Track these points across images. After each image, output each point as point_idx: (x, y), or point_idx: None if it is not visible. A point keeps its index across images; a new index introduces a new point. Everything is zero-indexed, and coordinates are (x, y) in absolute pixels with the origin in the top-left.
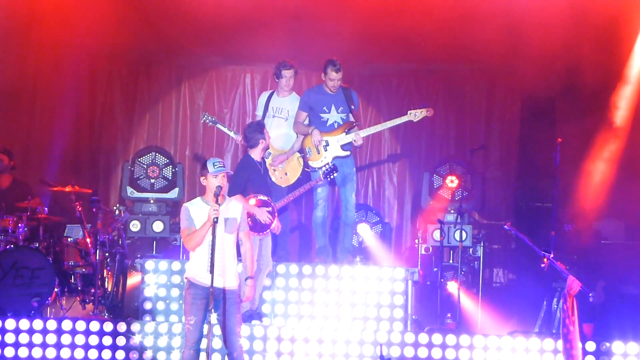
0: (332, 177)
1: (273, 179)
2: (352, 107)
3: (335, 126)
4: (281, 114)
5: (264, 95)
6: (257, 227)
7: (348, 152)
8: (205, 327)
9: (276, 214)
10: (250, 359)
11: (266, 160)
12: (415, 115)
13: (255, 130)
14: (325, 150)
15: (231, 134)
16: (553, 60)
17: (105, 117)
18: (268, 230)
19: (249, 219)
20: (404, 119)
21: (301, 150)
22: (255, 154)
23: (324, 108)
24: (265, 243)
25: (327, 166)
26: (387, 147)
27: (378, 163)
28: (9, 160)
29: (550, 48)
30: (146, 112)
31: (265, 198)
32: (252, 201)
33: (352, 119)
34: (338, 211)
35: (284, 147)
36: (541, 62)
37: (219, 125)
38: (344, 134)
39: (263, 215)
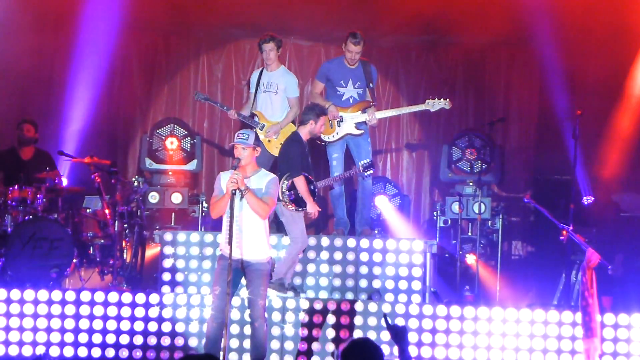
0: (369, 172)
1: (268, 148)
2: (371, 84)
3: (351, 101)
4: (270, 88)
5: (255, 74)
6: (301, 202)
7: (362, 132)
8: (236, 299)
9: (316, 194)
10: (269, 330)
11: (260, 131)
12: (433, 105)
13: (311, 110)
14: (339, 126)
15: (224, 109)
16: (572, 33)
17: (123, 89)
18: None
19: (291, 191)
20: (421, 107)
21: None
22: (303, 132)
23: (341, 82)
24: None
25: (366, 161)
26: (406, 119)
27: (397, 136)
28: (35, 132)
29: (568, 20)
30: (164, 84)
31: (310, 176)
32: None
33: (368, 96)
34: (355, 184)
35: (277, 119)
36: (559, 35)
37: (210, 102)
38: (360, 112)
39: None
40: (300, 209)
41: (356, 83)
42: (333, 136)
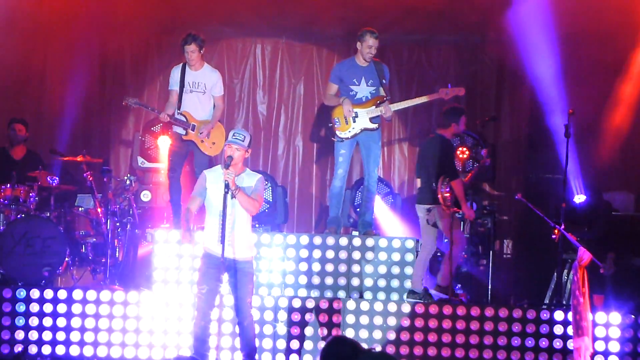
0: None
1: (202, 149)
2: (384, 81)
3: (363, 100)
4: (198, 88)
5: (176, 69)
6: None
7: (376, 125)
8: (217, 297)
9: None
10: (261, 329)
11: (192, 132)
12: (447, 93)
13: (452, 112)
14: (354, 122)
15: (155, 112)
16: (565, 31)
17: (116, 87)
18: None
19: (451, 193)
20: (435, 96)
21: (329, 120)
22: (448, 134)
23: (354, 80)
24: None
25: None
26: (398, 118)
27: (389, 134)
28: (26, 131)
29: (562, 18)
30: (157, 82)
31: None
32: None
33: (382, 92)
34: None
35: (208, 118)
36: (552, 33)
37: (142, 106)
38: (374, 107)
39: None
40: (458, 213)
41: (369, 81)
42: (349, 131)
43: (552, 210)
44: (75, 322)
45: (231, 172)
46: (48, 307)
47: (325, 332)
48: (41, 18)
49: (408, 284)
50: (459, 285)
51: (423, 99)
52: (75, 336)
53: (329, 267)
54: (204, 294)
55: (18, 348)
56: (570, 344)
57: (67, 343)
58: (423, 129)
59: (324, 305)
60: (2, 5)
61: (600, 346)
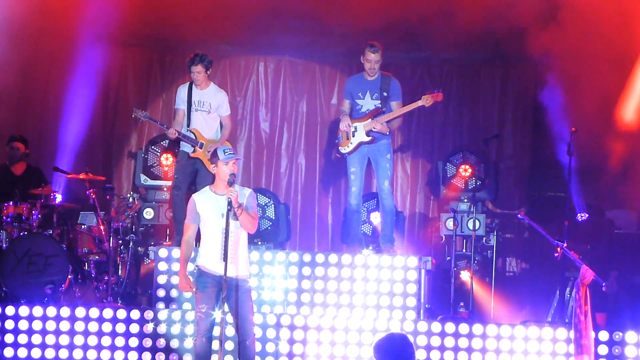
0: None
1: (208, 167)
2: (385, 93)
3: (367, 113)
4: (203, 107)
5: (183, 88)
6: None
7: (370, 138)
8: (218, 315)
9: None
10: (263, 347)
11: (200, 150)
12: (427, 100)
13: None
14: (353, 137)
15: (163, 127)
16: (568, 47)
17: (118, 105)
18: None
19: None
20: (417, 103)
21: (334, 137)
22: None
23: (359, 94)
24: None
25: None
26: (400, 135)
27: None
28: (25, 148)
29: (565, 35)
30: (159, 100)
31: None
32: None
33: (394, 106)
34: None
35: (215, 137)
36: (554, 51)
37: (151, 121)
38: (370, 120)
39: None
40: None
41: (374, 94)
42: (348, 146)
43: (554, 228)
44: (78, 340)
45: (235, 190)
46: (51, 325)
47: (330, 350)
48: (44, 35)
49: (410, 302)
50: (462, 304)
51: (407, 109)
52: (77, 354)
53: (332, 285)
54: (203, 312)
55: None
56: None
57: None
58: (426, 145)
59: (326, 323)
60: (5, 22)
61: None
